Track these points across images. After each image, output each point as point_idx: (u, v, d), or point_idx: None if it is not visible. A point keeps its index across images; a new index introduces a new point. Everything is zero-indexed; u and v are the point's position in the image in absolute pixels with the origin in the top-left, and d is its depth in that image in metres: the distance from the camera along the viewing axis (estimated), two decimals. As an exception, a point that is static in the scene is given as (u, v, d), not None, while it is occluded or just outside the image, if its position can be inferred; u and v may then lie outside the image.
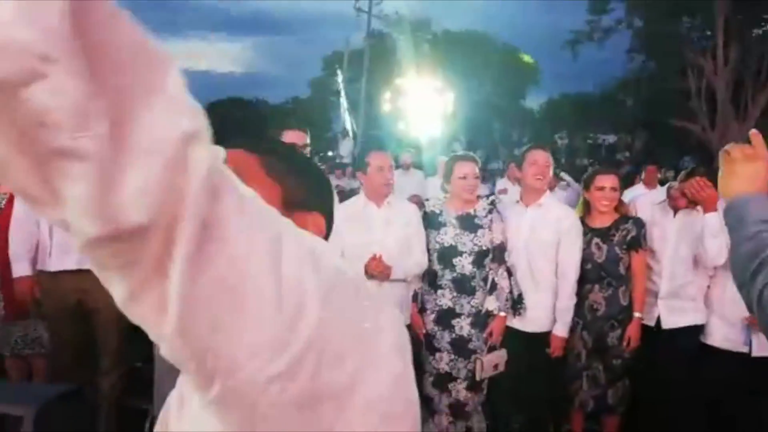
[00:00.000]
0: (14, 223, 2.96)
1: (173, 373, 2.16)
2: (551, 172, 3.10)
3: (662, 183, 12.65)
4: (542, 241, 3.00)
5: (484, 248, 2.90)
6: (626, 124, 25.06)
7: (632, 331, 2.99)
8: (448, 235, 2.95)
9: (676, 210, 3.12)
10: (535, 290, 3.00)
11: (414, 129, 19.27)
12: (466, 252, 2.91)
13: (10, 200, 3.03)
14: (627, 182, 8.33)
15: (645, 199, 3.26)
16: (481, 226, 2.92)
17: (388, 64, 23.34)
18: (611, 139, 23.90)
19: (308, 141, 3.00)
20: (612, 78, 26.05)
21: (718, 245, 2.86)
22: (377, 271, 2.74)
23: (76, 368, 3.13)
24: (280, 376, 0.48)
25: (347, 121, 16.17)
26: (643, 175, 6.59)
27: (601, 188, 3.07)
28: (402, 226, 2.93)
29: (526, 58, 34.36)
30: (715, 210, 2.88)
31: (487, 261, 2.92)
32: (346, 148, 13.34)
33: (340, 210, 3.10)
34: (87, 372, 3.23)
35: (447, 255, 2.93)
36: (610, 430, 3.17)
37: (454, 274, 2.91)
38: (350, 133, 15.47)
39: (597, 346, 3.05)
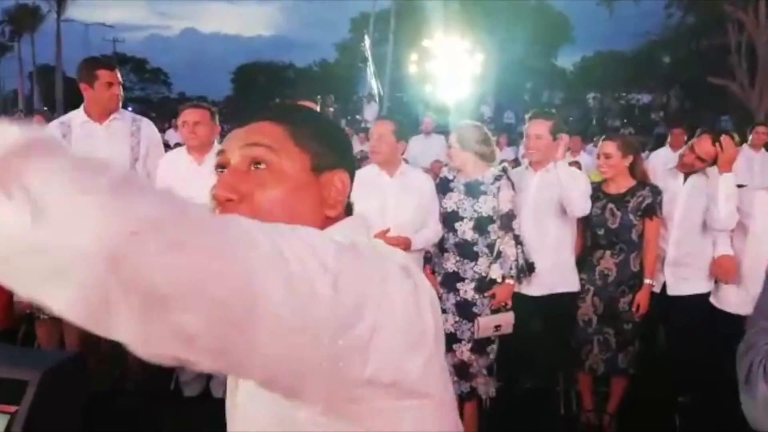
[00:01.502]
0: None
1: None
2: (551, 141, 3.02)
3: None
4: (549, 202, 3.02)
5: (485, 215, 2.93)
6: (662, 83, 24.29)
7: (641, 298, 3.01)
8: (452, 200, 2.99)
9: (686, 175, 3.10)
10: (543, 252, 3.02)
11: (441, 92, 19.05)
12: (466, 218, 2.95)
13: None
14: (660, 144, 8.14)
15: (658, 163, 3.23)
16: (485, 193, 2.94)
17: (415, 24, 22.90)
18: (645, 98, 23.20)
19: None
20: (649, 35, 25.15)
21: (730, 208, 2.84)
22: (396, 244, 2.80)
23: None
24: (302, 348, 0.55)
25: (373, 86, 16.04)
26: (669, 138, 6.42)
27: (598, 155, 3.08)
28: (415, 196, 2.96)
29: (560, 14, 33.33)
30: (731, 171, 2.85)
31: (492, 228, 2.94)
32: (371, 113, 13.29)
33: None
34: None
35: (449, 220, 2.98)
36: (617, 390, 3.22)
37: (457, 239, 2.96)
38: (376, 98, 15.37)
39: (608, 312, 3.08)
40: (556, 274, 3.03)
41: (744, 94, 17.95)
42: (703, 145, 3.01)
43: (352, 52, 27.91)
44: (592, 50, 36.12)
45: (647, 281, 3.01)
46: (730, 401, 2.92)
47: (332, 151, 0.85)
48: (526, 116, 3.20)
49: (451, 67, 19.35)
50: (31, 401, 1.03)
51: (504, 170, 3.04)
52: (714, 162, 2.97)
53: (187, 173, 3.14)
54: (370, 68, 16.87)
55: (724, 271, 2.99)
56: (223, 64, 55.98)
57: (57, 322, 3.48)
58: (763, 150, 5.65)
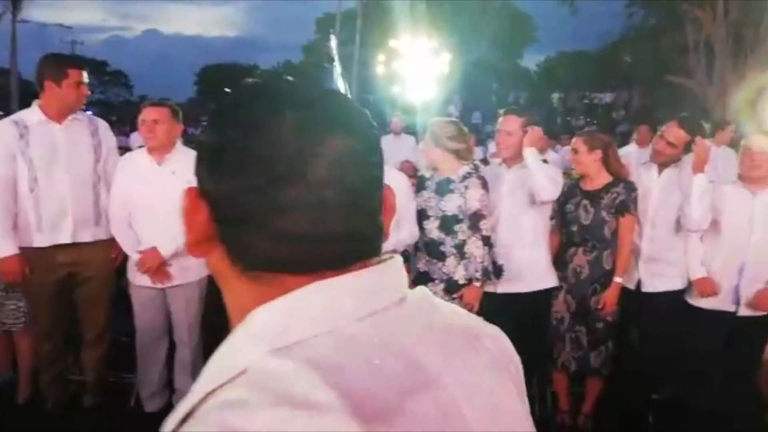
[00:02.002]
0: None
1: (155, 348, 2.17)
2: (522, 137, 2.98)
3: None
4: (524, 198, 2.97)
5: (449, 213, 2.86)
6: (624, 82, 24.75)
7: (609, 295, 2.97)
8: (422, 199, 2.94)
9: (660, 168, 3.08)
10: (518, 249, 2.98)
11: (408, 92, 19.03)
12: (432, 216, 2.88)
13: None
14: (624, 142, 8.23)
15: (631, 159, 3.21)
16: (452, 191, 2.87)
17: (381, 25, 22.86)
18: (608, 97, 23.62)
19: None
20: (611, 34, 25.58)
21: (703, 209, 2.84)
22: None
23: (59, 342, 3.13)
24: None
25: (341, 87, 15.93)
26: (635, 135, 6.48)
27: (570, 151, 3.05)
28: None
29: (524, 15, 33.72)
30: (703, 172, 2.86)
31: (460, 227, 2.87)
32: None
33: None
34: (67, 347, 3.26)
35: (420, 219, 2.93)
36: (592, 391, 3.19)
37: (425, 239, 2.90)
38: (344, 98, 15.24)
39: (580, 310, 3.04)
40: (533, 270, 2.97)
41: (702, 92, 18.39)
42: (673, 130, 3.02)
43: (318, 53, 27.74)
44: (556, 50, 36.72)
45: (617, 279, 2.98)
46: (704, 397, 2.92)
47: None
48: (500, 111, 3.14)
49: (418, 68, 19.33)
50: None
51: (475, 168, 2.96)
52: (686, 148, 2.97)
53: (146, 174, 3.00)
54: (337, 69, 16.76)
55: (703, 290, 2.99)
56: (185, 66, 55.04)
57: (9, 343, 3.31)
58: (724, 147, 5.74)
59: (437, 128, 2.98)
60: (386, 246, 1.98)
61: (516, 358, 0.67)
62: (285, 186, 0.52)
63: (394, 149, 7.36)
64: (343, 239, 0.55)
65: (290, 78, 0.59)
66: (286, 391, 0.46)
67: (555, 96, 24.83)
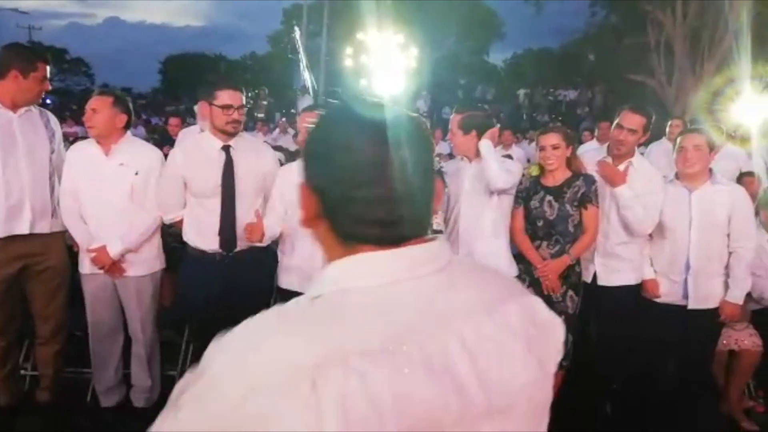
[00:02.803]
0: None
1: (110, 342, 2.14)
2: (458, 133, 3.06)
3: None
4: (485, 191, 3.00)
5: None
6: (587, 80, 25.19)
7: (552, 265, 3.00)
8: None
9: (615, 163, 3.15)
10: (479, 240, 3.00)
11: (376, 85, 19.02)
12: None
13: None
14: (589, 138, 8.38)
15: (592, 156, 3.26)
16: None
17: (349, 17, 22.73)
18: (572, 94, 23.99)
19: (244, 101, 2.88)
20: (575, 33, 26.02)
21: (633, 215, 2.97)
22: None
23: (11, 337, 3.04)
24: None
25: (307, 79, 15.81)
26: (597, 132, 6.60)
27: (543, 147, 3.06)
28: None
29: (490, 11, 34.01)
30: (623, 183, 3.00)
31: None
32: (305, 106, 13.07)
33: (284, 170, 3.02)
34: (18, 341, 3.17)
35: None
36: (555, 383, 3.23)
37: None
38: (310, 91, 15.15)
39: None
40: (492, 261, 2.99)
41: (662, 91, 18.90)
42: (628, 117, 3.09)
43: (285, 45, 27.44)
44: (522, 47, 37.20)
45: (567, 255, 3.01)
46: (660, 388, 3.00)
47: None
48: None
49: (386, 61, 19.35)
50: None
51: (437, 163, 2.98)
52: (644, 132, 3.07)
53: (93, 163, 2.93)
54: (302, 60, 16.63)
55: (647, 291, 3.12)
56: (150, 55, 53.73)
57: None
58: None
59: None
60: None
61: (548, 328, 0.83)
62: (364, 186, 0.74)
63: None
64: (404, 223, 0.76)
65: (368, 102, 0.80)
66: (319, 318, 0.70)
67: (521, 92, 25.05)
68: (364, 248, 0.75)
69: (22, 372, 3.30)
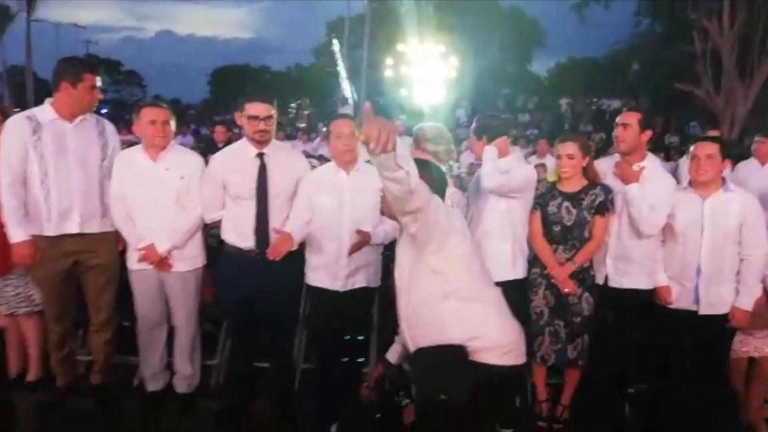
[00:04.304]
0: (4, 189, 3.05)
1: (155, 332, 2.45)
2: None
3: (667, 149, 12.50)
4: (489, 196, 3.17)
5: None
6: (631, 89, 24.80)
7: (558, 270, 3.17)
8: None
9: None
10: (487, 242, 3.14)
11: (416, 95, 19.21)
12: None
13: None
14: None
15: (604, 165, 3.36)
16: None
17: (390, 29, 23.05)
18: (615, 104, 23.62)
19: (273, 113, 3.09)
20: (619, 42, 25.68)
21: (639, 213, 3.05)
22: (358, 239, 2.99)
23: (67, 325, 3.33)
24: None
25: (346, 89, 16.12)
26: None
27: (559, 156, 3.20)
28: (371, 193, 3.04)
29: (533, 20, 33.83)
30: (635, 181, 3.08)
31: None
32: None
33: (313, 175, 3.24)
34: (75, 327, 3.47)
35: None
36: (571, 382, 3.35)
37: None
38: (350, 101, 15.44)
39: (558, 305, 3.21)
40: (496, 261, 3.05)
41: (710, 100, 18.43)
42: (624, 116, 3.25)
43: (328, 56, 27.98)
44: (566, 56, 36.78)
45: (573, 262, 3.16)
46: (676, 393, 3.06)
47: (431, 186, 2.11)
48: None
49: (426, 72, 19.52)
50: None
51: (450, 168, 3.16)
52: (641, 127, 3.18)
53: (142, 170, 3.19)
54: (342, 71, 16.97)
55: (659, 297, 3.19)
56: (198, 67, 55.44)
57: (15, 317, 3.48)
58: (649, 153, 5.84)
59: (419, 131, 3.22)
60: (373, 239, 2.34)
61: None
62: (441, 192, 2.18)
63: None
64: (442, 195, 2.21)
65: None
66: None
67: (563, 101, 24.84)
68: None
69: (78, 357, 3.60)
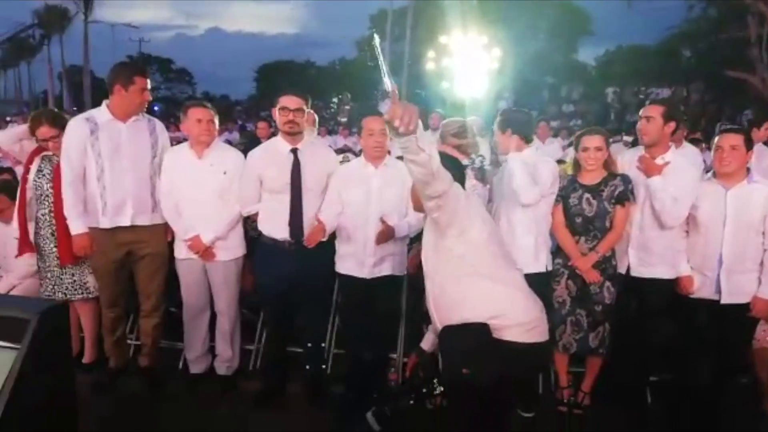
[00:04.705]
0: (65, 185, 3.34)
1: (199, 318, 2.72)
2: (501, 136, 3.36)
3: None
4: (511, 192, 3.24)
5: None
6: (682, 77, 24.05)
7: (581, 261, 3.24)
8: None
9: None
10: (510, 237, 3.18)
11: (458, 88, 19.16)
12: None
13: (58, 165, 3.45)
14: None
15: (629, 157, 3.41)
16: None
17: (432, 21, 23.03)
18: (665, 93, 23.00)
19: (303, 106, 3.27)
20: (670, 28, 24.88)
21: (662, 205, 3.09)
22: (383, 231, 3.15)
23: (120, 310, 3.61)
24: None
25: (387, 83, 16.24)
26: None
27: (586, 149, 3.25)
28: (398, 187, 3.20)
29: (579, 8, 33.09)
30: (658, 174, 3.12)
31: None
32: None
33: (343, 169, 3.41)
34: (127, 313, 3.76)
35: None
36: (593, 370, 3.42)
37: None
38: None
39: (580, 294, 3.29)
40: (519, 256, 3.16)
41: (764, 88, 17.74)
42: (646, 108, 3.27)
43: (371, 50, 28.18)
44: (614, 44, 35.82)
45: (594, 252, 3.22)
46: (697, 381, 3.11)
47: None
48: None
49: (469, 63, 19.42)
50: (32, 336, 1.30)
51: (472, 161, 3.26)
52: (665, 119, 3.19)
53: (188, 166, 3.43)
54: (382, 66, 17.07)
55: (682, 287, 3.23)
56: (245, 63, 56.64)
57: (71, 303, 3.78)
58: (686, 144, 5.73)
59: (443, 126, 3.34)
60: (398, 232, 2.54)
61: None
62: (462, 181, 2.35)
63: (431, 144, 7.61)
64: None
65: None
66: None
67: (609, 91, 24.33)
68: None
69: (129, 341, 3.90)
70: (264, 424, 3.24)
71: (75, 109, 20.74)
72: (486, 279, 2.22)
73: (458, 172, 2.35)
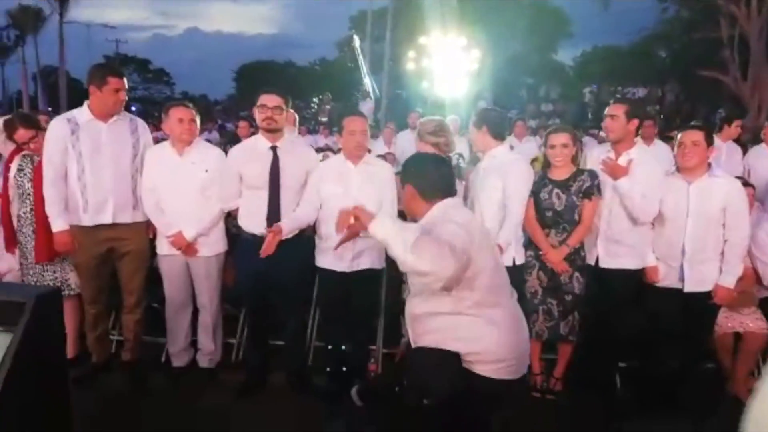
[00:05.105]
0: (47, 184, 3.38)
1: (181, 313, 2.78)
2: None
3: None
4: (485, 188, 3.38)
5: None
6: (658, 77, 24.52)
7: (553, 253, 3.38)
8: None
9: (616, 156, 3.41)
10: None
11: (438, 88, 19.34)
12: None
13: (39, 164, 3.49)
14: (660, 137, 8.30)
15: (597, 153, 3.55)
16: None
17: (412, 22, 23.18)
18: (641, 92, 23.46)
19: (281, 104, 3.34)
20: (645, 29, 25.34)
21: (633, 204, 3.24)
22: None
23: (102, 306, 3.66)
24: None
25: (367, 84, 16.36)
26: (640, 131, 6.69)
27: (553, 146, 3.39)
28: (376, 184, 3.30)
29: (557, 9, 33.50)
30: (624, 175, 3.25)
31: None
32: (366, 110, 13.60)
33: (322, 166, 3.50)
34: (109, 309, 3.79)
35: None
36: (564, 356, 3.56)
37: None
38: (371, 95, 15.69)
39: (551, 285, 3.42)
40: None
41: (737, 87, 18.16)
42: (610, 107, 3.43)
43: (351, 51, 28.26)
44: (591, 45, 36.37)
45: (565, 245, 3.37)
46: (664, 366, 3.25)
47: (431, 185, 2.31)
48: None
49: (448, 64, 19.60)
50: (28, 319, 1.37)
51: (448, 159, 3.37)
52: (628, 117, 3.34)
53: (170, 164, 3.49)
54: (362, 66, 17.20)
55: (648, 277, 3.40)
56: (225, 63, 56.33)
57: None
58: (656, 141, 5.96)
59: (421, 125, 3.45)
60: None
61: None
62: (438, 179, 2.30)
63: (410, 142, 7.73)
64: (450, 189, 2.29)
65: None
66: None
67: (587, 90, 24.74)
68: (434, 201, 2.23)
69: (111, 337, 3.94)
70: (246, 416, 3.31)
71: (50, 109, 20.46)
72: (473, 314, 2.13)
73: (446, 177, 2.32)
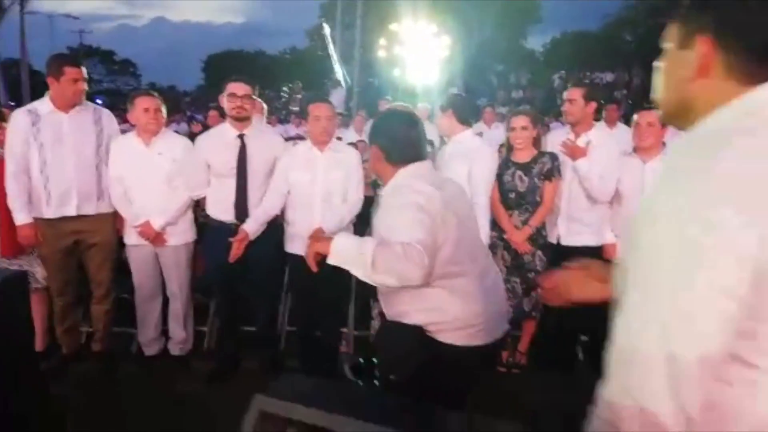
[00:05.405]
0: (9, 177, 3.35)
1: (151, 302, 2.79)
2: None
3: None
4: (456, 172, 3.41)
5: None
6: (624, 61, 24.92)
7: (516, 234, 3.50)
8: None
9: (575, 137, 3.51)
10: None
11: (409, 75, 19.40)
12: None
13: (1, 158, 3.45)
14: (626, 122, 8.50)
15: (558, 136, 3.65)
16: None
17: (382, 9, 23.13)
18: (609, 77, 23.82)
19: (250, 92, 3.37)
20: (612, 15, 25.74)
21: (591, 184, 3.37)
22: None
23: (69, 298, 3.65)
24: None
25: (338, 72, 16.31)
26: (604, 114, 6.87)
27: (513, 129, 3.48)
28: (343, 170, 3.35)
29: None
30: (583, 156, 3.36)
31: None
32: (337, 98, 13.57)
33: (289, 153, 3.53)
34: (77, 301, 3.77)
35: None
36: (528, 332, 3.69)
37: None
38: (342, 83, 15.65)
39: (514, 264, 3.53)
40: None
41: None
42: (569, 92, 3.51)
43: (321, 39, 28.06)
44: (560, 31, 36.79)
45: (527, 226, 3.48)
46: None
47: (396, 149, 2.15)
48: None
49: (419, 51, 19.65)
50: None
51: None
52: (585, 100, 3.45)
53: (136, 154, 3.49)
54: (333, 55, 17.12)
55: (608, 254, 3.46)
56: (193, 53, 55.45)
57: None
58: (619, 125, 6.18)
59: None
60: (330, 229, 2.56)
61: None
62: (407, 141, 2.11)
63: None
64: (419, 153, 2.11)
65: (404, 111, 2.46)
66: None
67: (556, 77, 25.04)
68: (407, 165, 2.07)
69: (81, 329, 3.93)
70: (220, 401, 3.34)
71: (12, 103, 19.91)
72: (431, 288, 2.00)
73: (410, 133, 2.16)
